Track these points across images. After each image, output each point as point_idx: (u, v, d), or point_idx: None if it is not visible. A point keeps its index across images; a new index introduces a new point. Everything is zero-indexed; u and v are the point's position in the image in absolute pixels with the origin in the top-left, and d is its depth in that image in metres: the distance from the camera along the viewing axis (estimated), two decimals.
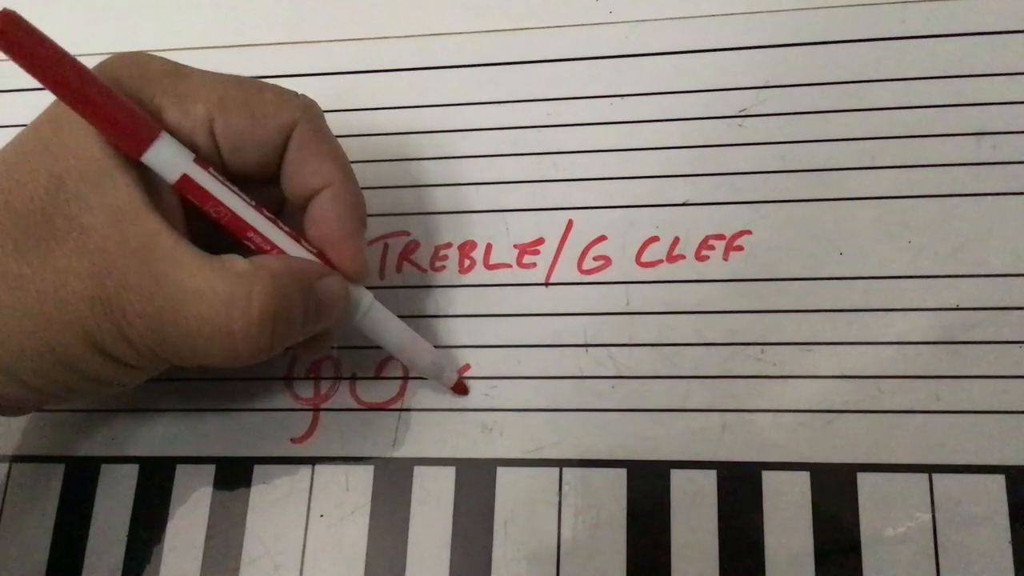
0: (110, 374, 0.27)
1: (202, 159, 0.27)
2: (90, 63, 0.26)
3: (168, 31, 0.39)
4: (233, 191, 0.27)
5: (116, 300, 0.25)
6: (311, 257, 0.29)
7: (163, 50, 0.29)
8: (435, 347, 0.32)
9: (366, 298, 0.30)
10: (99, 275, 0.25)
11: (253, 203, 0.28)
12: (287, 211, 0.31)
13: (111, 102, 0.25)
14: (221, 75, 0.28)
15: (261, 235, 0.28)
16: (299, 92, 0.29)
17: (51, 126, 0.26)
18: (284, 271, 0.27)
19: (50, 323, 0.25)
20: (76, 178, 0.25)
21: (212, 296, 0.25)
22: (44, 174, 0.25)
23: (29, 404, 0.27)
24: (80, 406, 0.34)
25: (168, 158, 0.26)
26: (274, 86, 0.29)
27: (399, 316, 0.31)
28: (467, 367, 0.33)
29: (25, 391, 0.26)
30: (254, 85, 0.29)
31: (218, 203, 0.27)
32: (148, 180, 0.26)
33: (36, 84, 0.26)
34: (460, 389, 0.33)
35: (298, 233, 0.29)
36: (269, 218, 0.28)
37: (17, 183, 0.25)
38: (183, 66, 0.28)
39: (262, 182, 0.29)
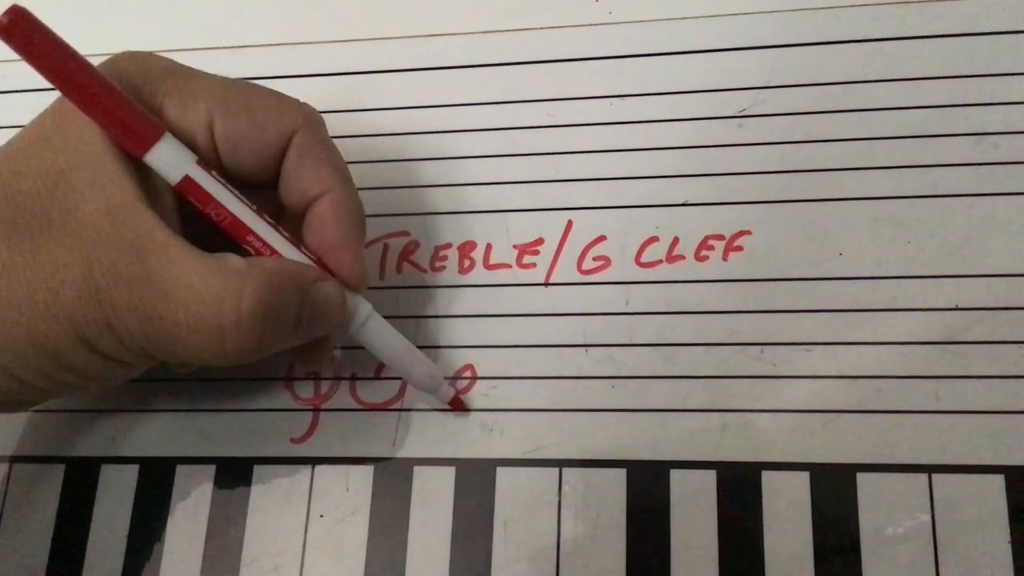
0: (96, 369, 0.27)
1: (203, 161, 0.27)
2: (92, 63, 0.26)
3: (168, 32, 0.39)
4: (234, 194, 0.28)
5: (105, 291, 0.25)
6: (309, 263, 0.29)
7: (164, 51, 0.29)
8: (433, 361, 0.32)
9: (364, 308, 0.30)
10: (89, 266, 0.25)
11: (254, 207, 0.28)
12: (285, 219, 0.31)
13: (116, 100, 0.25)
14: (225, 78, 0.29)
15: (260, 239, 0.28)
16: (301, 100, 0.29)
17: (54, 122, 0.27)
18: (279, 271, 0.27)
19: (37, 313, 0.25)
20: (75, 172, 0.25)
21: (203, 289, 0.25)
22: (44, 168, 0.26)
23: (18, 398, 0.27)
24: (80, 406, 0.34)
25: (171, 158, 0.26)
26: (277, 92, 0.29)
27: (399, 317, 0.31)
28: (469, 368, 0.33)
29: (13, 383, 0.26)
30: (257, 89, 0.29)
31: (219, 205, 0.27)
32: (146, 180, 0.27)
33: (37, 85, 0.26)
34: (457, 405, 0.32)
35: (297, 240, 0.29)
36: (269, 223, 0.28)
37: (16, 175, 0.26)
38: (187, 67, 0.28)
39: (259, 187, 0.29)
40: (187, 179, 0.27)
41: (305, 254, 0.29)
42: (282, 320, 0.27)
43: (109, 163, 0.26)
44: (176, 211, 0.28)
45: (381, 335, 0.30)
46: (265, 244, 0.28)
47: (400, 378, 0.33)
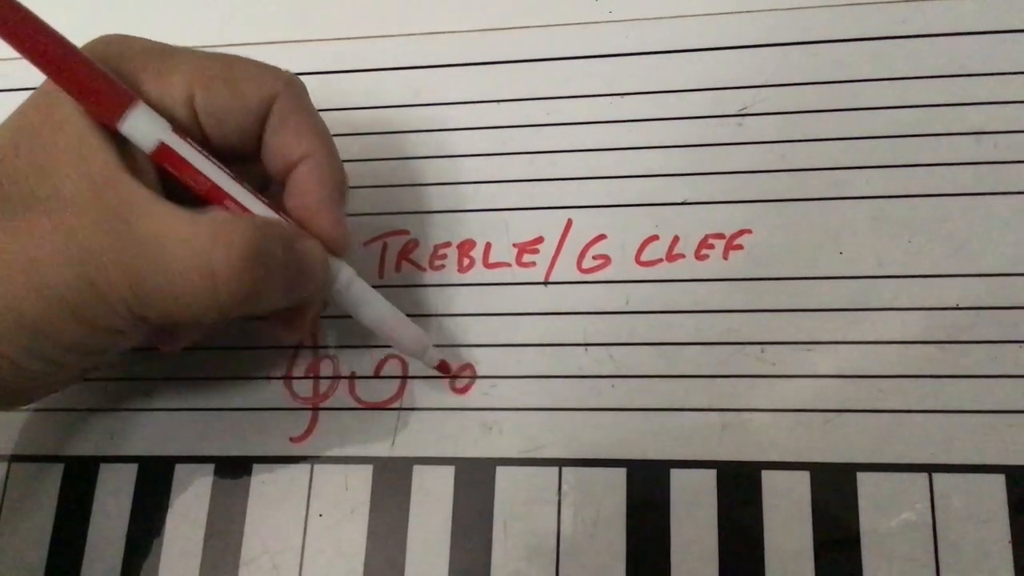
0: (84, 340, 0.26)
1: (180, 129, 0.27)
2: None
3: (165, 30, 0.39)
4: (211, 160, 0.28)
5: (90, 255, 0.25)
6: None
7: None
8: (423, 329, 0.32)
9: (346, 271, 0.30)
10: (71, 232, 0.25)
11: (231, 173, 0.28)
12: (271, 192, 0.30)
13: (87, 71, 0.26)
14: (202, 51, 0.29)
15: (239, 204, 0.28)
16: (282, 67, 0.29)
17: (38, 106, 0.27)
18: (265, 222, 0.27)
19: (22, 287, 0.25)
20: (58, 150, 0.26)
21: (192, 237, 0.25)
22: (27, 149, 0.26)
23: (16, 386, 0.27)
24: (79, 405, 0.34)
25: (144, 127, 0.27)
26: (256, 61, 0.29)
27: None
28: (469, 366, 0.33)
29: (6, 367, 0.26)
30: (235, 59, 0.29)
31: (196, 172, 0.27)
32: (128, 153, 0.27)
33: (39, 83, 0.26)
34: (444, 368, 0.32)
35: (278, 207, 0.29)
36: (248, 188, 0.28)
37: (2, 161, 0.26)
38: (165, 44, 0.28)
39: (245, 160, 0.30)
40: (163, 147, 0.27)
41: (285, 218, 0.29)
42: (271, 268, 0.26)
43: (89, 138, 0.26)
44: (158, 182, 0.28)
45: (365, 299, 0.30)
46: (245, 209, 0.28)
47: (399, 377, 0.33)
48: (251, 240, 0.26)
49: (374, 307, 0.31)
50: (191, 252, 0.25)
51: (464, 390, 0.33)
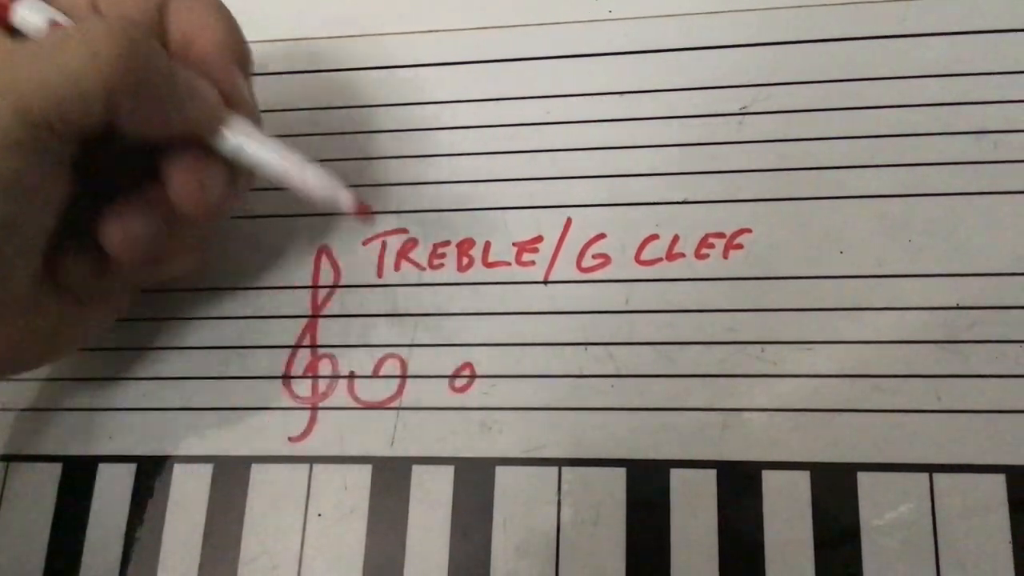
0: None
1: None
2: None
3: None
4: None
5: None
6: None
7: None
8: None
9: (241, 120, 0.29)
10: None
11: None
12: None
13: None
14: None
15: None
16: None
17: None
18: None
19: None
20: None
21: (74, 30, 0.25)
22: None
23: None
24: (77, 405, 0.34)
25: (34, 15, 0.27)
26: None
27: (397, 315, 0.31)
28: (468, 366, 0.33)
29: None
30: None
31: None
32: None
33: None
34: (363, 211, 0.30)
35: None
36: None
37: None
38: None
39: None
40: (54, 27, 0.27)
41: None
42: (153, 62, 0.26)
43: None
44: None
45: (265, 145, 0.29)
46: None
47: (399, 376, 0.33)
48: (129, 22, 0.26)
49: (277, 154, 0.29)
50: (70, 34, 0.25)
51: (464, 390, 0.33)
